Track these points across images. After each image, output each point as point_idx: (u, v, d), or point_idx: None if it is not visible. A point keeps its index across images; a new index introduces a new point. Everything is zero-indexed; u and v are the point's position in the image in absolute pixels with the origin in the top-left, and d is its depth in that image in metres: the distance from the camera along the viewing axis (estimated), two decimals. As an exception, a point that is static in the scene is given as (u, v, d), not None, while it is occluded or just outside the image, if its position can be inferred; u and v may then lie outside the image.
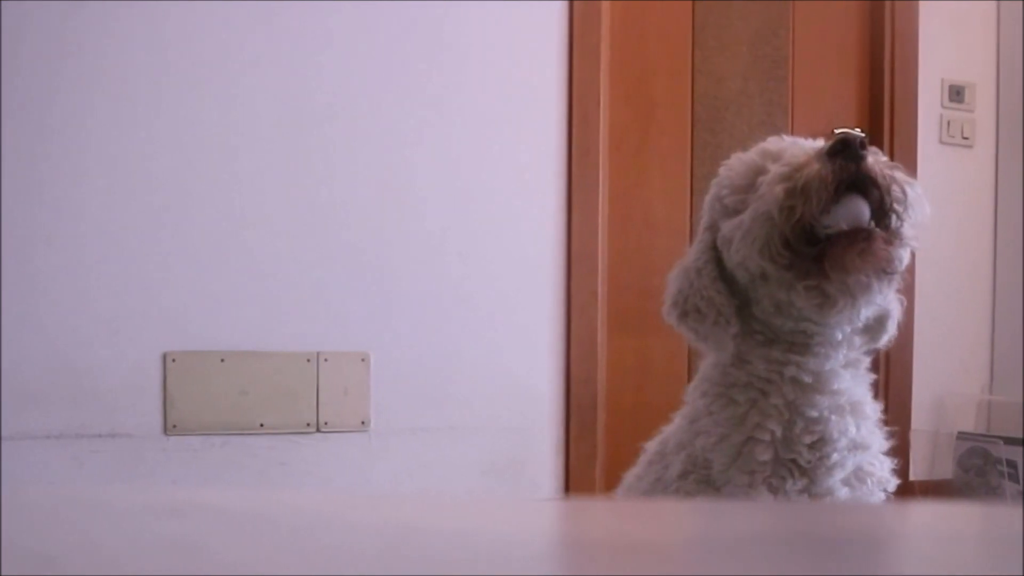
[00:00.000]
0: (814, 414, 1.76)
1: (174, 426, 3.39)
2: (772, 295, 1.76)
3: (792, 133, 4.25)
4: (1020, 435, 4.36)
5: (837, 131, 4.19)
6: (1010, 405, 4.59)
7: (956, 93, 4.70)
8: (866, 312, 1.78)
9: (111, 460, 3.33)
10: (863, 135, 1.69)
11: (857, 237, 1.66)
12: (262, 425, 3.48)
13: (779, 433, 1.75)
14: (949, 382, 4.69)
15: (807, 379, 1.78)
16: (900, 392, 4.49)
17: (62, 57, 3.29)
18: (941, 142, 4.67)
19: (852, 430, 1.79)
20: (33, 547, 0.50)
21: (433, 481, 3.67)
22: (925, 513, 0.80)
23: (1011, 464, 4.34)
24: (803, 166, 1.67)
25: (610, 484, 3.52)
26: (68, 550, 0.51)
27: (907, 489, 3.89)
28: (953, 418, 4.67)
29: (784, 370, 1.78)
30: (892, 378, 4.41)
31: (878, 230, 1.68)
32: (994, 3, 4.81)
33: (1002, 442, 4.38)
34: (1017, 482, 4.30)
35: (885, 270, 1.69)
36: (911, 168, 4.28)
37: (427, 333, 3.69)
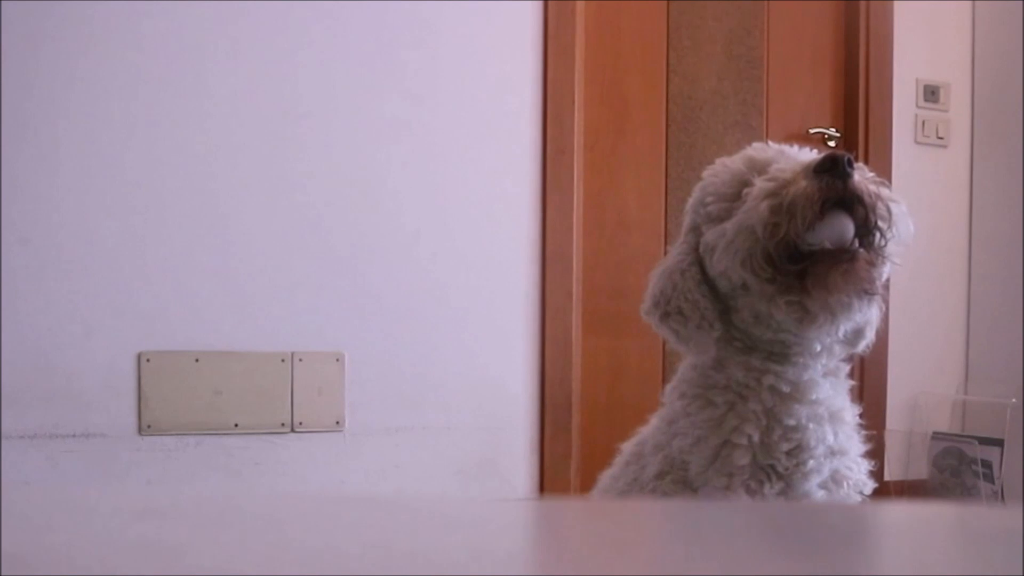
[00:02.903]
0: (792, 422, 1.77)
1: (148, 426, 3.38)
2: (752, 306, 1.77)
3: (767, 132, 4.28)
4: (995, 435, 4.38)
5: (812, 131, 4.20)
6: (985, 405, 4.61)
7: (931, 93, 4.72)
8: (845, 327, 1.79)
9: (85, 460, 3.32)
10: (844, 150, 1.70)
11: (841, 257, 1.67)
12: (236, 425, 3.47)
13: (756, 438, 1.76)
14: (924, 382, 4.70)
15: (785, 388, 1.78)
16: (875, 392, 4.50)
17: (36, 56, 3.28)
18: (916, 142, 4.69)
19: (830, 437, 1.80)
20: (9, 547, 0.50)
21: (408, 481, 3.67)
22: (901, 513, 0.80)
23: (986, 464, 4.35)
24: (789, 182, 1.67)
25: (585, 484, 3.52)
26: (45, 549, 0.50)
27: (882, 490, 3.90)
28: (928, 418, 4.68)
29: (763, 378, 1.79)
30: (867, 378, 4.42)
31: (862, 250, 1.69)
32: (969, 3, 4.82)
33: (977, 442, 4.40)
34: (992, 482, 4.32)
35: (867, 291, 1.70)
36: (886, 168, 4.30)
37: (402, 333, 3.69)
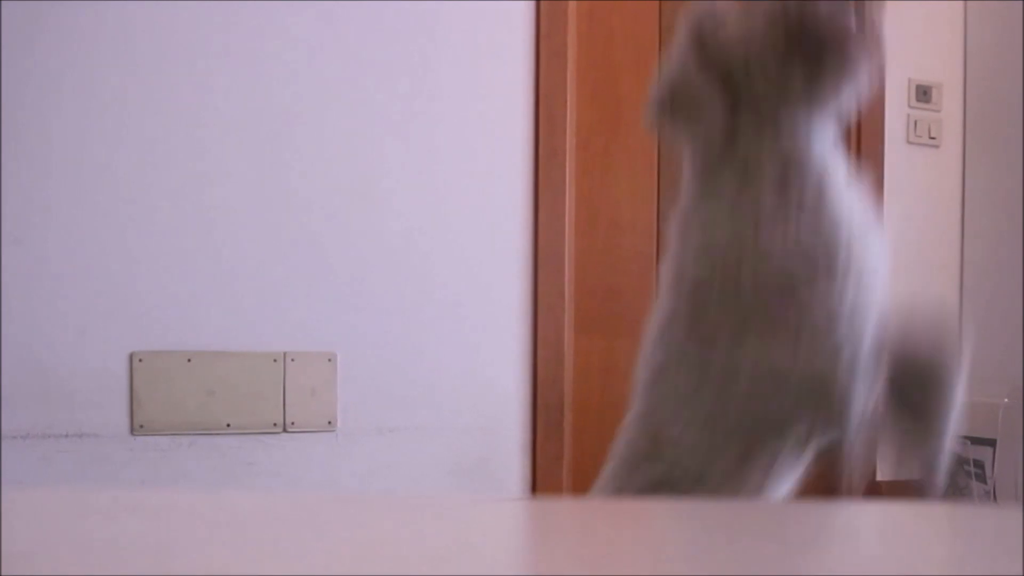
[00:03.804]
0: None
1: (141, 426, 3.38)
2: (763, 75, 1.78)
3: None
4: (987, 435, 4.37)
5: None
6: (977, 405, 4.60)
7: (923, 93, 4.72)
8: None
9: (78, 460, 3.32)
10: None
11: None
12: (229, 425, 3.47)
13: None
14: (916, 382, 4.69)
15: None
16: (867, 392, 4.49)
17: (26, 54, 3.27)
18: (908, 142, 4.68)
19: None
20: (9, 547, 0.50)
21: (400, 481, 3.67)
22: (893, 513, 0.80)
23: (978, 464, 4.35)
24: None
25: (577, 484, 3.51)
26: (44, 549, 0.50)
27: (874, 489, 3.90)
28: (920, 418, 4.67)
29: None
30: (859, 378, 4.41)
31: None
32: (961, 3, 4.82)
33: (969, 442, 4.40)
34: (984, 482, 4.32)
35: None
36: (878, 168, 4.30)
37: (394, 333, 3.68)
